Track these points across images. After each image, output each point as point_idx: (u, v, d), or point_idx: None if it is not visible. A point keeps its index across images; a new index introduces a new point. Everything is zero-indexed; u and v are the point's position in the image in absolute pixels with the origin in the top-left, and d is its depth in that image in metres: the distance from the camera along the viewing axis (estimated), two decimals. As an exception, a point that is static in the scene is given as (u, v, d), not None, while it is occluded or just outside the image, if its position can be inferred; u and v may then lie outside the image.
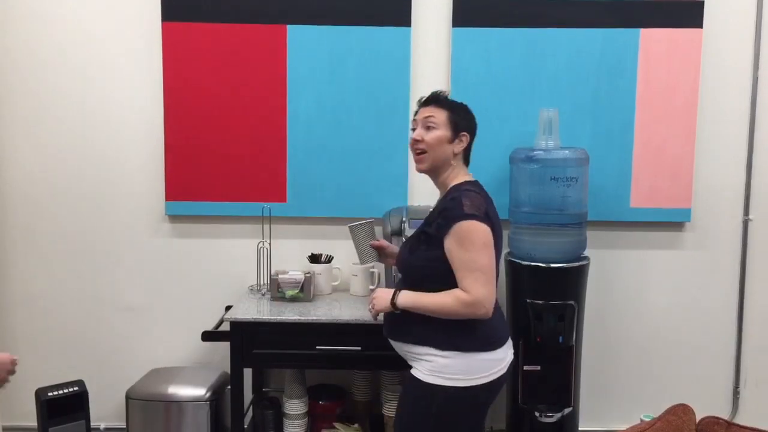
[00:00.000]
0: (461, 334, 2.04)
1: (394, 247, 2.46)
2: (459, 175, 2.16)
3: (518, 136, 2.87)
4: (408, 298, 2.08)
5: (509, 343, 2.18)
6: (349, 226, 2.44)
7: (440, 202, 2.15)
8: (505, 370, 2.13)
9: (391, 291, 2.12)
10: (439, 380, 2.04)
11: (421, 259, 2.09)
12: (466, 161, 2.20)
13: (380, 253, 2.46)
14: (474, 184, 2.14)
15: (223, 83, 3.00)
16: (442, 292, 2.03)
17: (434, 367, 2.05)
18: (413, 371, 2.11)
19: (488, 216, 2.04)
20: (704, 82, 3.03)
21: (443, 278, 2.03)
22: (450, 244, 2.02)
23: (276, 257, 3.01)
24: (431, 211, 2.18)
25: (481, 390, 2.06)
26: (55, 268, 3.12)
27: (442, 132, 2.12)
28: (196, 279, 3.13)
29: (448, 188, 2.15)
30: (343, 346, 2.62)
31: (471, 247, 1.99)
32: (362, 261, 2.48)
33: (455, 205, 2.03)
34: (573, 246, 2.83)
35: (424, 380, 2.06)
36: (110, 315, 3.15)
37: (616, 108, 3.02)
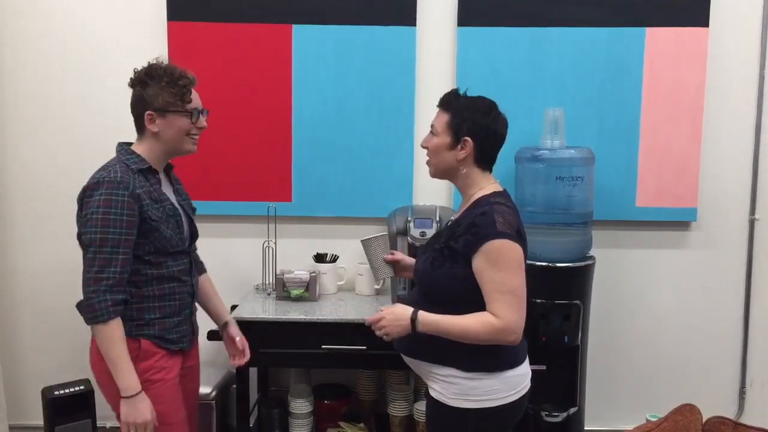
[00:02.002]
0: (486, 353, 1.91)
1: (410, 259, 2.30)
2: (481, 184, 2.00)
3: (524, 136, 2.86)
4: (429, 323, 1.91)
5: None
6: (362, 240, 2.29)
7: (467, 215, 1.96)
8: (529, 385, 2.03)
9: (407, 313, 1.93)
10: (467, 403, 1.93)
11: (446, 276, 1.93)
12: (486, 167, 2.01)
13: (395, 267, 2.30)
14: (502, 196, 1.98)
15: (228, 83, 3.00)
16: (467, 316, 1.88)
17: (460, 389, 1.93)
18: (435, 394, 1.98)
19: (520, 234, 1.91)
20: (710, 81, 3.02)
21: (469, 296, 1.90)
22: (480, 263, 1.87)
23: (281, 257, 3.01)
24: (454, 223, 2.01)
25: (509, 408, 1.96)
26: (61, 267, 3.12)
27: (440, 139, 1.98)
28: (201, 278, 3.13)
29: (474, 199, 1.99)
30: (349, 345, 2.62)
31: (503, 267, 1.85)
32: (377, 276, 2.35)
33: (486, 222, 1.88)
34: (578, 245, 2.82)
35: (451, 404, 1.94)
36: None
37: (622, 107, 3.01)
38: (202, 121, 2.09)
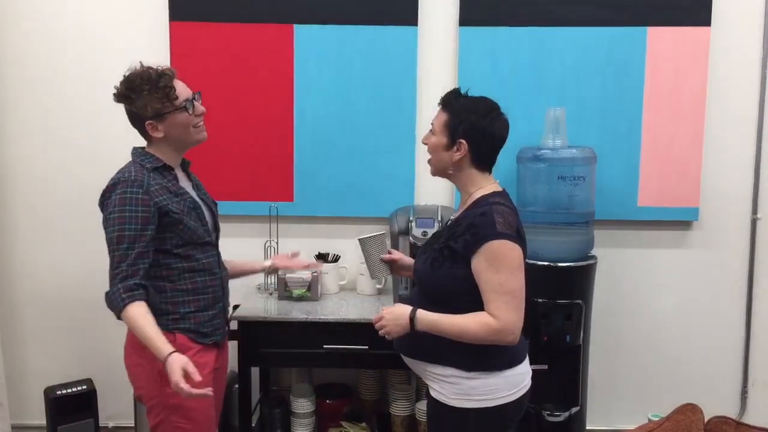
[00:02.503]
0: (486, 353, 1.91)
1: (408, 258, 2.30)
2: (480, 184, 1.98)
3: (525, 135, 2.86)
4: (427, 322, 1.91)
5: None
6: (359, 239, 2.28)
7: (466, 215, 1.95)
8: (529, 384, 2.03)
9: (406, 313, 1.93)
10: (468, 403, 1.92)
11: (446, 277, 1.92)
12: (484, 167, 1.99)
13: (392, 267, 2.28)
14: (502, 195, 1.97)
15: (230, 83, 3.01)
16: (466, 315, 1.88)
17: (461, 389, 1.93)
18: (435, 394, 1.98)
19: (519, 234, 1.91)
20: (712, 80, 3.02)
21: (469, 296, 1.89)
22: (479, 264, 1.87)
23: (283, 256, 3.01)
24: (454, 223, 2.00)
25: (509, 407, 1.96)
26: (63, 268, 3.13)
27: (437, 138, 1.97)
28: (203, 278, 3.13)
29: (474, 199, 1.97)
30: (350, 345, 2.62)
31: (502, 268, 1.85)
32: (373, 276, 2.35)
33: (486, 222, 1.87)
34: (580, 245, 2.82)
35: (451, 405, 1.94)
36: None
37: (624, 107, 3.01)
38: (198, 107, 2.10)
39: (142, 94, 1.99)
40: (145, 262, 1.97)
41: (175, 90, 2.03)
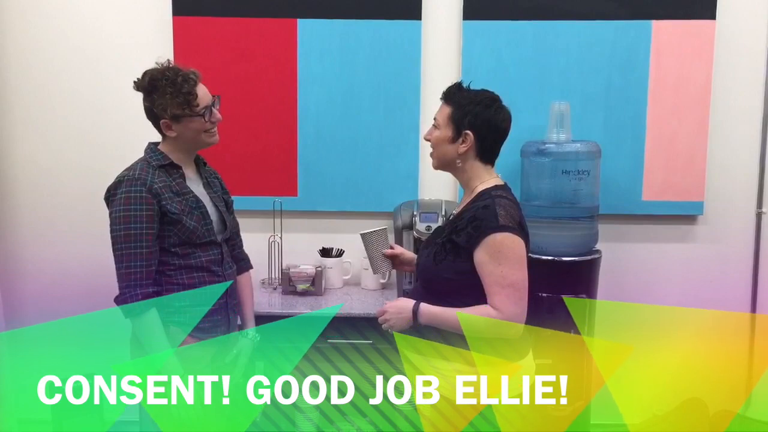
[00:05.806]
0: (490, 347, 1.91)
1: (410, 253, 2.31)
2: (483, 177, 1.99)
3: (529, 130, 2.86)
4: (430, 315, 1.93)
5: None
6: (361, 234, 2.29)
7: (469, 209, 1.95)
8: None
9: (409, 306, 1.95)
10: (472, 397, 1.91)
11: (449, 271, 1.93)
12: (488, 160, 2.00)
13: (395, 262, 2.29)
14: (504, 189, 1.98)
15: (233, 77, 3.00)
16: (469, 309, 1.88)
17: (465, 383, 1.91)
18: (440, 389, 1.96)
19: (522, 226, 1.91)
20: (717, 74, 3.00)
21: (471, 291, 1.89)
22: (481, 256, 1.87)
23: (287, 251, 3.01)
24: (456, 216, 2.01)
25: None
26: (67, 262, 3.13)
27: (441, 132, 1.97)
28: (207, 273, 3.14)
29: (476, 192, 1.97)
30: (354, 339, 2.63)
31: (504, 261, 1.85)
32: (375, 270, 2.35)
33: (488, 215, 1.88)
34: (585, 239, 2.82)
35: (455, 399, 1.93)
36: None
37: (628, 101, 3.00)
38: (216, 114, 2.13)
39: (164, 96, 2.01)
40: (154, 262, 2.01)
41: (196, 97, 2.04)
